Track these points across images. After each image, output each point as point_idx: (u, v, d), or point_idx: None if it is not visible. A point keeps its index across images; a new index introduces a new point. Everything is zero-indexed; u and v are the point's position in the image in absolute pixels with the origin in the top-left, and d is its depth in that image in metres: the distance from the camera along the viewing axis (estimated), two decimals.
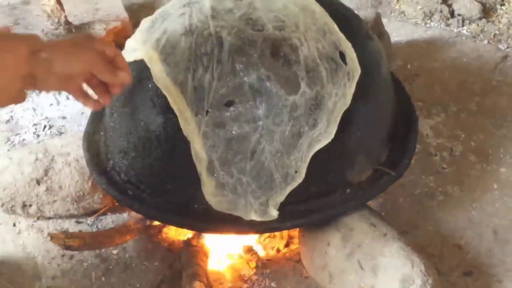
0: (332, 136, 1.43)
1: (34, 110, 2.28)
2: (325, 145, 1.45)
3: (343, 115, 1.47)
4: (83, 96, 1.30)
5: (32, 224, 1.86)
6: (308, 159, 1.42)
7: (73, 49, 1.25)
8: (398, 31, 2.58)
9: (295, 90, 1.40)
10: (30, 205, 1.80)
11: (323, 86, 1.41)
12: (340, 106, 1.43)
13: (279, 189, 1.43)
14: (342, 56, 1.46)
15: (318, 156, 1.46)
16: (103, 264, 1.75)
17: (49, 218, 1.86)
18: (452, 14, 2.66)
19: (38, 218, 1.86)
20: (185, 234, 1.77)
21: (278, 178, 1.42)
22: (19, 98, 1.16)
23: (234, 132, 1.40)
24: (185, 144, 1.43)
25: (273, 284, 1.68)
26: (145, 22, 1.60)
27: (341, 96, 1.43)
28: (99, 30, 2.22)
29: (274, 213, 1.45)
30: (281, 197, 1.44)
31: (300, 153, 1.41)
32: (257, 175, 1.42)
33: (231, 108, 1.40)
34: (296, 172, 1.42)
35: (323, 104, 1.41)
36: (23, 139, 2.18)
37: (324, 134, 1.42)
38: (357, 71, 1.46)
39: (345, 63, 1.46)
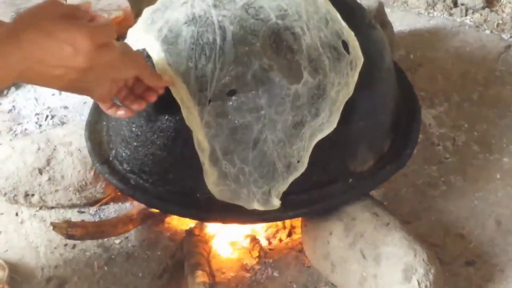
0: (335, 125, 1.42)
1: (36, 100, 2.28)
2: (327, 134, 1.45)
3: (345, 105, 1.47)
4: (130, 100, 1.35)
5: (35, 214, 1.86)
6: (311, 149, 1.42)
7: (129, 51, 1.28)
8: (400, 21, 2.57)
9: (298, 80, 1.40)
10: (33, 195, 1.80)
11: (326, 75, 1.41)
12: (342, 95, 1.43)
13: (281, 179, 1.43)
14: (345, 45, 1.46)
15: (320, 146, 1.46)
16: (105, 254, 1.76)
17: (52, 207, 1.86)
18: (455, 3, 2.65)
19: (40, 208, 1.86)
20: (187, 223, 1.77)
21: (281, 168, 1.42)
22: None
23: (236, 122, 1.40)
24: (188, 133, 1.42)
25: (275, 274, 1.68)
26: (147, 12, 1.59)
27: (343, 85, 1.43)
28: (101, 19, 2.20)
29: (276, 203, 1.45)
30: (283, 187, 1.44)
31: (302, 142, 1.41)
32: (260, 165, 1.42)
33: (234, 98, 1.39)
34: (298, 161, 1.42)
35: (326, 93, 1.41)
36: (25, 129, 2.18)
37: (326, 124, 1.42)
38: (360, 60, 1.46)
39: (348, 52, 1.46)
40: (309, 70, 1.40)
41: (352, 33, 1.47)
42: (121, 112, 1.36)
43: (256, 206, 1.45)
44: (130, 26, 1.64)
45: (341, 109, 1.43)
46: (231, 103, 1.40)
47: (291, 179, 1.44)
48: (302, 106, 1.40)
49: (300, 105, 1.40)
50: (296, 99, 1.39)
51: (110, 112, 1.36)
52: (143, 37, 1.51)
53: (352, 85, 1.44)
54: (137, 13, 1.68)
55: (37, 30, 1.06)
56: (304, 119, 1.40)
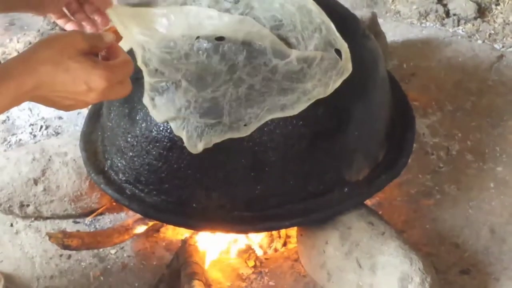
0: (296, 113, 1.41)
1: (31, 110, 2.27)
2: (322, 144, 1.46)
3: (340, 114, 1.48)
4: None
5: (30, 224, 1.86)
6: (262, 121, 1.41)
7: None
8: (393, 31, 2.58)
9: (283, 57, 1.40)
10: (28, 205, 1.80)
11: (311, 66, 1.41)
12: (317, 92, 1.42)
13: (220, 131, 1.41)
14: (338, 53, 1.46)
15: (315, 155, 1.47)
16: (101, 264, 1.75)
17: (47, 218, 1.86)
18: (447, 13, 2.66)
19: (35, 218, 1.86)
20: (183, 233, 1.77)
21: (225, 122, 1.41)
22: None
23: (210, 63, 1.41)
24: (183, 143, 1.42)
25: (271, 283, 1.68)
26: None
27: (322, 84, 1.42)
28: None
29: (199, 148, 1.42)
30: (217, 139, 1.42)
31: (258, 110, 1.40)
32: (208, 108, 1.41)
33: (220, 43, 1.40)
34: (245, 125, 1.41)
35: (303, 81, 1.41)
36: (20, 139, 2.18)
37: (289, 107, 1.41)
38: (347, 71, 1.45)
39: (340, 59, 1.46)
40: (298, 56, 1.40)
41: (345, 44, 1.47)
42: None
43: (182, 135, 1.43)
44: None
45: (309, 102, 1.42)
46: (215, 45, 1.41)
47: (228, 136, 1.41)
48: (275, 80, 1.40)
49: (273, 79, 1.40)
50: (273, 72, 1.40)
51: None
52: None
53: (331, 88, 1.43)
54: None
55: (55, 65, 1.08)
56: (270, 92, 1.40)
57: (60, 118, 2.22)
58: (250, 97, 1.40)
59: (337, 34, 1.49)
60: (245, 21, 1.43)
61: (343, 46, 1.48)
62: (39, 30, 2.22)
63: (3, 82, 1.06)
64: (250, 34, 1.40)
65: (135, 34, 1.40)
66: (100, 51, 1.18)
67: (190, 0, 1.54)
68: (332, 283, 1.56)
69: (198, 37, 1.41)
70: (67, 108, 1.16)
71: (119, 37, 1.55)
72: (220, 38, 1.41)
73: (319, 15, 1.51)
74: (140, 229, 1.78)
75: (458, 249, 1.76)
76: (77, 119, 2.19)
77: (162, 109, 1.44)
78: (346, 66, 1.47)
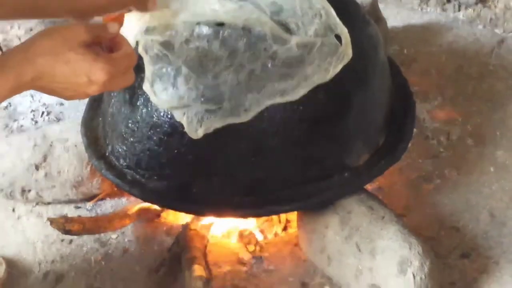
0: (297, 98, 1.42)
1: (32, 96, 2.28)
2: (323, 129, 1.46)
3: (340, 99, 1.48)
4: None
5: (31, 209, 1.87)
6: (263, 106, 1.41)
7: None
8: (394, 17, 2.57)
9: (283, 43, 1.41)
10: (29, 191, 1.81)
11: (311, 52, 1.42)
12: (317, 77, 1.43)
13: (220, 116, 1.42)
14: (338, 38, 1.46)
15: (316, 140, 1.48)
16: (102, 249, 1.76)
17: (48, 203, 1.87)
18: None
19: (37, 204, 1.87)
20: (183, 218, 1.78)
21: (226, 107, 1.41)
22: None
23: (211, 49, 1.41)
24: (183, 128, 1.43)
25: (271, 267, 1.69)
26: None
27: (322, 70, 1.43)
28: (96, 17, 2.21)
29: (199, 133, 1.43)
30: (217, 125, 1.42)
31: (258, 95, 1.41)
32: (209, 94, 1.41)
33: (221, 28, 1.41)
34: (245, 110, 1.41)
35: (303, 66, 1.42)
36: (21, 125, 2.18)
37: (290, 92, 1.42)
38: (347, 56, 1.46)
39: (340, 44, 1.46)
40: (298, 42, 1.41)
41: (346, 30, 1.47)
42: None
43: (183, 121, 1.44)
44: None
45: (309, 87, 1.42)
46: (215, 31, 1.41)
47: (229, 121, 1.42)
48: (275, 66, 1.40)
49: (273, 64, 1.40)
50: (272, 58, 1.40)
51: None
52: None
53: (330, 74, 1.44)
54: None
55: (55, 57, 1.08)
56: (270, 77, 1.41)
57: (61, 104, 2.22)
58: (250, 82, 1.40)
59: (337, 19, 1.49)
60: (244, 7, 1.43)
61: (343, 31, 1.48)
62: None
63: (2, 73, 1.07)
64: (249, 20, 1.41)
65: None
66: (104, 42, 1.17)
67: None
68: (332, 267, 1.57)
69: (198, 23, 1.42)
70: (68, 97, 1.16)
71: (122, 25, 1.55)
72: (220, 24, 1.41)
73: (319, 1, 1.51)
74: (142, 213, 1.79)
75: (458, 233, 1.77)
76: (78, 105, 2.18)
77: (164, 96, 1.44)
78: (346, 52, 1.47)
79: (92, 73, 1.10)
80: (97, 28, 1.15)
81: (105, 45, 1.18)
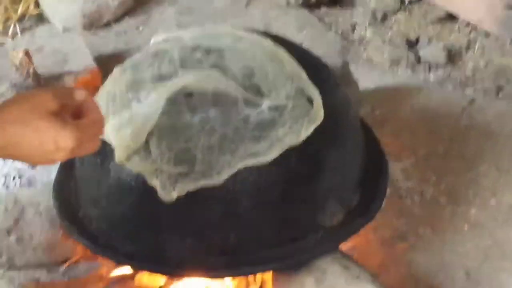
0: (269, 159, 1.42)
1: (4, 160, 2.26)
2: (296, 191, 1.47)
3: (314, 160, 1.49)
4: None
5: (2, 275, 1.84)
6: (235, 169, 1.41)
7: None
8: (365, 78, 2.59)
9: (255, 107, 1.43)
10: (1, 256, 1.79)
11: (282, 114, 1.43)
12: (289, 139, 1.43)
13: (193, 179, 1.41)
14: (310, 101, 1.48)
15: (289, 202, 1.48)
16: None
17: (20, 268, 1.84)
18: (418, 60, 2.69)
19: (9, 268, 1.84)
20: (158, 281, 1.76)
21: (198, 170, 1.41)
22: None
23: (184, 117, 1.43)
24: (156, 192, 1.43)
25: None
26: (116, 71, 1.60)
27: (294, 132, 1.44)
28: (68, 81, 2.23)
29: (173, 196, 1.42)
30: (190, 187, 1.41)
31: (230, 158, 1.41)
32: (181, 158, 1.42)
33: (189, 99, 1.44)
34: (218, 173, 1.41)
35: (275, 129, 1.43)
36: None
37: (262, 154, 1.42)
38: (319, 119, 1.47)
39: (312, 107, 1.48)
40: (269, 105, 1.43)
41: (317, 92, 1.49)
42: None
43: (156, 184, 1.43)
44: (98, 85, 1.65)
45: (282, 149, 1.43)
46: (186, 102, 1.43)
47: (201, 183, 1.41)
48: (247, 129, 1.42)
49: (245, 127, 1.41)
50: (245, 121, 1.42)
51: None
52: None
53: (302, 136, 1.45)
54: (105, 74, 1.70)
55: (24, 125, 1.07)
56: (242, 140, 1.41)
57: (33, 168, 2.21)
58: (223, 145, 1.41)
59: (309, 82, 1.51)
60: (211, 75, 1.45)
61: (315, 94, 1.50)
62: (11, 82, 2.21)
63: None
64: (218, 89, 1.42)
65: None
66: (72, 107, 1.16)
67: (162, 51, 1.56)
68: None
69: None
70: (34, 163, 1.16)
71: (93, 91, 1.56)
72: (189, 95, 1.44)
73: (291, 64, 1.53)
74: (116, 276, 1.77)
75: None
76: (50, 169, 2.17)
77: (137, 161, 1.44)
78: (318, 114, 1.48)
79: (60, 140, 1.09)
80: (65, 94, 1.14)
81: (73, 111, 1.16)
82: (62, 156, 1.12)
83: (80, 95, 1.17)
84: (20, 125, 1.08)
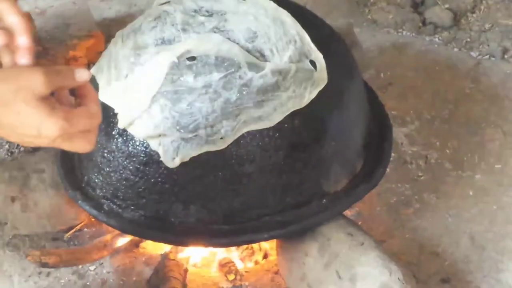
0: (273, 124, 1.41)
1: None
2: (300, 155, 1.45)
3: (317, 124, 1.48)
4: None
5: (8, 242, 1.83)
6: (239, 134, 1.40)
7: None
8: (370, 40, 2.58)
9: (258, 70, 1.41)
10: (5, 223, 1.78)
11: (285, 78, 1.42)
12: (293, 103, 1.42)
13: (196, 145, 1.41)
14: (313, 64, 1.46)
15: (293, 167, 1.46)
16: (80, 281, 1.74)
17: (25, 235, 1.83)
18: (423, 22, 2.67)
19: (14, 236, 1.84)
20: (162, 248, 1.76)
21: (202, 136, 1.40)
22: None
23: (185, 81, 1.40)
24: (159, 157, 1.42)
25: None
26: (118, 35, 1.59)
27: (298, 95, 1.43)
28: (71, 45, 2.21)
29: (176, 162, 1.41)
30: (194, 153, 1.41)
31: (234, 123, 1.40)
32: (185, 123, 1.40)
33: (192, 62, 1.41)
34: (221, 138, 1.40)
35: (278, 93, 1.41)
36: None
37: (266, 119, 1.41)
38: (323, 81, 1.46)
39: (316, 70, 1.46)
40: (272, 68, 1.41)
41: (320, 55, 1.47)
42: None
43: (159, 150, 1.42)
44: (101, 50, 1.64)
45: (286, 113, 1.42)
46: (188, 65, 1.41)
47: (205, 149, 1.40)
48: (250, 93, 1.40)
49: (249, 91, 1.40)
50: (248, 85, 1.40)
51: None
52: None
53: (306, 99, 1.44)
54: (107, 38, 1.68)
55: (5, 106, 0.99)
56: (246, 104, 1.40)
57: None
58: (226, 110, 1.39)
59: (312, 45, 1.49)
60: (212, 38, 1.43)
61: (318, 57, 1.48)
62: None
63: None
64: (220, 52, 1.40)
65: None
66: (68, 89, 1.08)
67: (164, 14, 1.54)
68: None
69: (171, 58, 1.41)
70: (14, 141, 1.09)
71: (96, 55, 1.55)
72: (192, 58, 1.41)
73: (294, 27, 1.51)
74: (120, 243, 1.77)
75: (438, 258, 1.76)
76: None
77: (140, 126, 1.43)
78: (322, 77, 1.47)
79: (44, 127, 1.00)
80: (61, 76, 1.05)
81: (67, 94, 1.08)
82: (44, 143, 1.04)
83: (81, 76, 1.07)
84: (1, 106, 1.00)
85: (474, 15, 2.71)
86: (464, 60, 2.48)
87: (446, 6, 2.72)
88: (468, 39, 2.59)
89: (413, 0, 2.79)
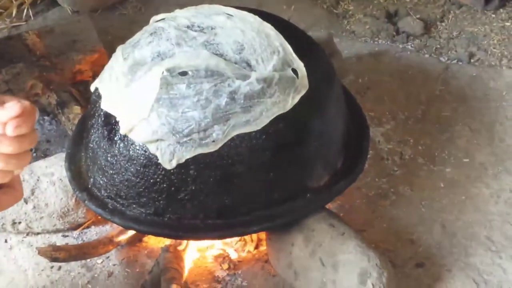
0: (260, 127, 1.42)
1: None
2: (286, 155, 1.47)
3: (301, 126, 1.49)
4: None
5: (22, 240, 1.84)
6: (229, 137, 1.41)
7: None
8: (349, 49, 2.59)
9: (244, 79, 1.42)
10: (20, 222, 1.79)
11: (270, 86, 1.43)
12: (277, 108, 1.43)
13: (190, 148, 1.41)
14: (295, 72, 1.47)
15: (279, 166, 1.47)
16: (88, 273, 1.74)
17: (38, 233, 1.84)
18: (397, 31, 2.68)
19: (27, 234, 1.84)
20: (163, 241, 1.76)
21: (195, 139, 1.41)
22: None
23: (180, 90, 1.41)
24: (157, 160, 1.43)
25: (244, 283, 1.68)
26: (119, 50, 1.60)
27: (281, 101, 1.44)
28: (77, 60, 2.21)
29: (173, 164, 1.42)
30: (188, 155, 1.42)
31: (224, 127, 1.40)
32: (180, 128, 1.41)
33: (184, 77, 1.42)
34: (213, 141, 1.41)
35: (264, 98, 1.42)
36: None
37: (253, 123, 1.42)
38: (304, 88, 1.47)
39: (297, 77, 1.47)
40: (258, 77, 1.42)
41: (302, 64, 1.48)
42: None
43: (157, 153, 1.43)
44: (104, 64, 1.65)
45: (271, 117, 1.43)
46: (181, 78, 1.42)
47: (198, 151, 1.41)
48: (238, 99, 1.40)
49: (237, 98, 1.40)
50: (236, 92, 1.40)
51: None
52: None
53: (290, 104, 1.45)
54: (110, 53, 1.69)
55: None
56: (234, 110, 1.40)
57: (48, 141, 2.20)
58: (217, 115, 1.40)
59: (294, 55, 1.50)
60: (200, 54, 1.43)
61: (299, 65, 1.49)
62: (25, 62, 2.20)
63: None
64: (209, 66, 1.41)
65: None
66: None
67: (159, 30, 1.54)
68: (299, 281, 1.56)
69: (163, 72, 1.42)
70: None
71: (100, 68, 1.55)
72: (184, 73, 1.42)
73: (277, 38, 1.52)
74: (123, 238, 1.78)
75: (413, 245, 1.77)
76: (63, 142, 2.17)
77: (139, 132, 1.44)
78: (303, 84, 1.48)
79: None
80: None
81: None
82: None
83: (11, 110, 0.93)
84: None
85: (443, 23, 2.72)
86: (434, 65, 2.48)
87: (418, 16, 2.73)
88: (438, 46, 2.59)
89: (387, 11, 2.80)
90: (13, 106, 0.95)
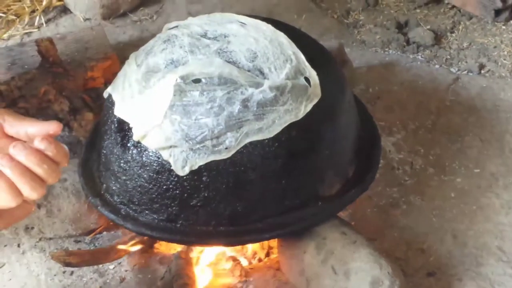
0: (272, 135, 1.41)
1: None
2: (298, 164, 1.46)
3: (312, 135, 1.48)
4: None
5: (35, 245, 1.83)
6: (242, 144, 1.40)
7: None
8: (360, 59, 2.58)
9: (257, 87, 1.41)
10: (32, 228, 1.79)
11: (283, 94, 1.42)
12: (289, 116, 1.43)
13: (203, 155, 1.41)
14: (308, 81, 1.47)
15: (291, 174, 1.46)
16: (101, 278, 1.74)
17: (50, 238, 1.84)
18: (407, 42, 2.67)
19: (40, 239, 1.84)
20: (175, 248, 1.76)
21: (208, 146, 1.40)
22: None
23: (194, 96, 1.41)
24: (170, 166, 1.42)
25: None
26: (132, 57, 1.59)
27: (294, 109, 1.43)
28: (89, 67, 2.21)
29: (186, 170, 1.42)
30: (201, 162, 1.41)
31: (237, 134, 1.40)
32: (193, 135, 1.40)
33: (197, 84, 1.41)
34: (226, 148, 1.40)
35: (276, 107, 1.41)
36: None
37: (266, 130, 1.41)
38: (317, 96, 1.46)
39: (310, 86, 1.46)
40: (270, 85, 1.41)
41: (314, 72, 1.48)
42: None
43: (170, 159, 1.42)
44: (116, 71, 1.65)
45: (283, 125, 1.42)
46: (194, 86, 1.41)
47: (211, 158, 1.41)
48: (251, 107, 1.40)
49: (250, 105, 1.40)
50: (249, 100, 1.40)
51: None
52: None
53: (302, 112, 1.44)
54: (122, 60, 1.69)
55: None
56: (247, 117, 1.40)
57: None
58: (230, 123, 1.39)
59: (307, 63, 1.49)
60: (215, 63, 1.43)
61: (312, 74, 1.48)
62: (38, 69, 2.20)
63: None
64: (223, 74, 1.41)
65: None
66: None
67: (173, 37, 1.54)
68: None
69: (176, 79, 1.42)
70: None
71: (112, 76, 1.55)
72: (197, 81, 1.42)
73: (290, 47, 1.51)
74: (136, 246, 1.77)
75: (424, 254, 1.76)
76: (76, 148, 2.16)
77: (153, 138, 1.43)
78: (315, 92, 1.47)
79: None
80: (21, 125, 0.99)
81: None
82: None
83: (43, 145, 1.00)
84: None
85: (453, 34, 2.71)
86: (444, 76, 2.48)
87: (428, 27, 2.73)
88: (448, 57, 2.59)
89: (398, 22, 2.79)
90: (52, 124, 1.04)
